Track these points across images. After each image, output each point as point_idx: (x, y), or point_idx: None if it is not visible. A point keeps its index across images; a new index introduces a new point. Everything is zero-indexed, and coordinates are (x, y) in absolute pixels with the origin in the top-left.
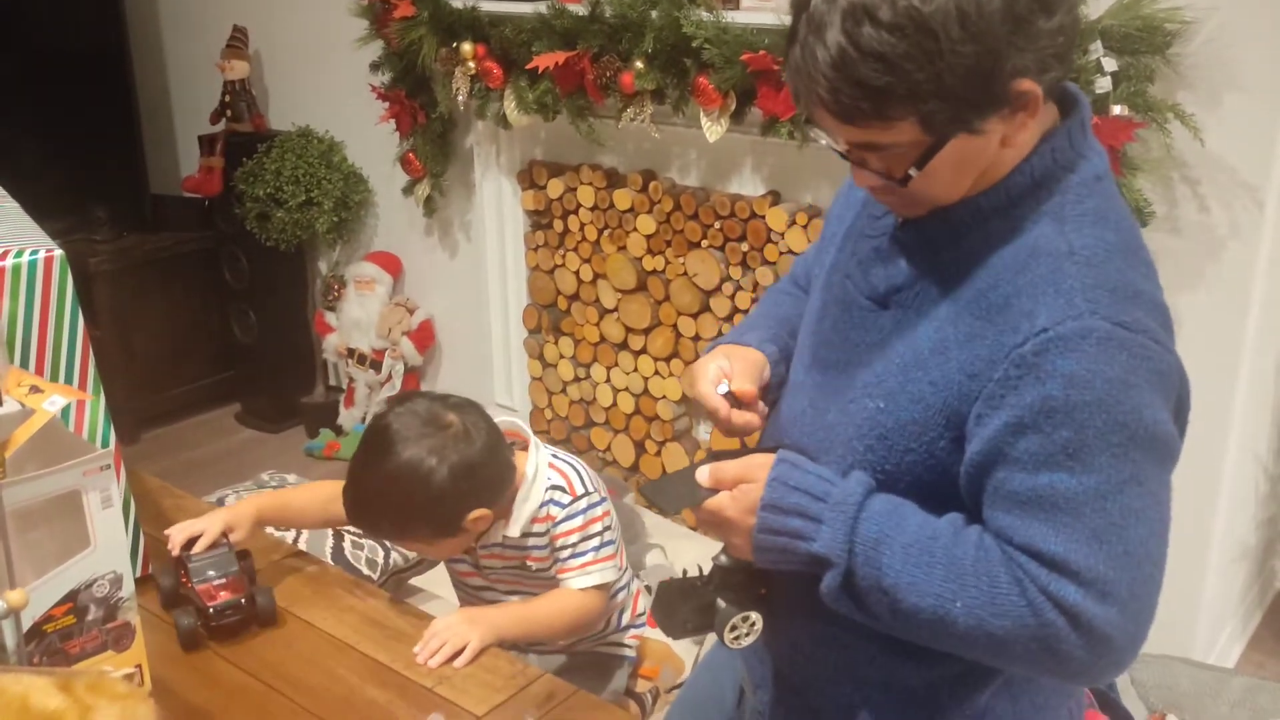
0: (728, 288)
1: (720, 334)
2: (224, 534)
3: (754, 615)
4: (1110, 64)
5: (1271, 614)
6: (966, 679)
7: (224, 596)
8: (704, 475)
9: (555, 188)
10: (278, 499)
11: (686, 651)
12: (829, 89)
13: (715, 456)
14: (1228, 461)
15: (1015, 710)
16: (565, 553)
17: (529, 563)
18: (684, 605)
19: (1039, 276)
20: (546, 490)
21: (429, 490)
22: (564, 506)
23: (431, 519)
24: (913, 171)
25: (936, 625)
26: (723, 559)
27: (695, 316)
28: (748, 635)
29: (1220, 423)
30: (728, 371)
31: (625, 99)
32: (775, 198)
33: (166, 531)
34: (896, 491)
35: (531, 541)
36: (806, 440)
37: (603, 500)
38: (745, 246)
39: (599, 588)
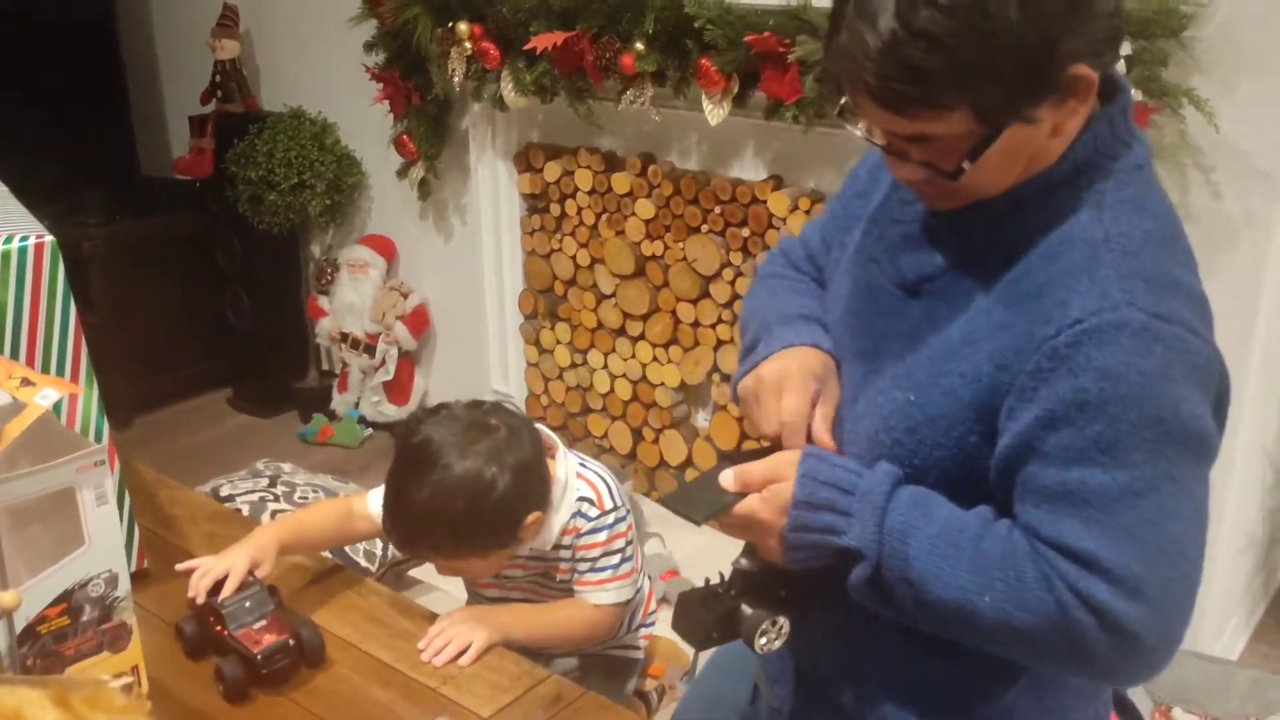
0: (728, 273)
1: (720, 320)
2: (249, 571)
3: (782, 619)
4: (1123, 47)
5: (1276, 605)
6: (992, 676)
7: (269, 640)
8: (729, 480)
9: (552, 171)
10: (294, 524)
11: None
12: (877, 75)
13: (729, 457)
14: (1236, 452)
15: (1042, 709)
16: (584, 566)
17: (555, 574)
18: (707, 616)
19: (1073, 264)
20: (576, 500)
21: (491, 498)
22: (590, 520)
23: (494, 528)
24: (965, 164)
25: (961, 618)
26: (743, 563)
27: (694, 302)
28: (777, 639)
29: (1231, 413)
30: (818, 392)
31: (625, 81)
32: (777, 183)
33: (179, 568)
34: (924, 485)
35: (560, 553)
36: (832, 431)
37: (628, 514)
38: (746, 232)
39: (615, 605)
